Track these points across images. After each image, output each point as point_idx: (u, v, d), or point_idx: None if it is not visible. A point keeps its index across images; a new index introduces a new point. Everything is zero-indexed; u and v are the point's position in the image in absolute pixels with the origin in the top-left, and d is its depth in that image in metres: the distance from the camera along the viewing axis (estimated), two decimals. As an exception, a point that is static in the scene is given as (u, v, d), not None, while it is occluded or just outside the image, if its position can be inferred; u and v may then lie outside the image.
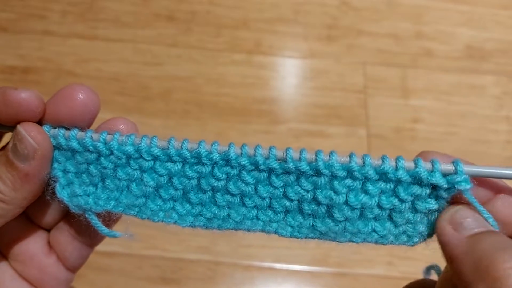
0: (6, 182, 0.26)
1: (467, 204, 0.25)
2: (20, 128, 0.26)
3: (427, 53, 0.83)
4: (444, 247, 0.25)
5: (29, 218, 0.32)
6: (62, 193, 0.28)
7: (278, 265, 0.63)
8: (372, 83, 0.79)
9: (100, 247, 0.62)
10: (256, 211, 0.27)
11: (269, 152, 0.25)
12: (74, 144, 0.27)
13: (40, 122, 0.27)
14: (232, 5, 0.86)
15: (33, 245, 0.32)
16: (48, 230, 0.33)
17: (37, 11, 0.83)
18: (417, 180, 0.24)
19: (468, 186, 0.24)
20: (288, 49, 0.83)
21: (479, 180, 0.25)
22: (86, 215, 0.28)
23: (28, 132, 0.26)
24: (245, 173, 0.26)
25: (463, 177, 0.24)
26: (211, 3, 0.86)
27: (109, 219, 0.30)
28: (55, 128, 0.27)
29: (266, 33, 0.84)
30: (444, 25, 0.86)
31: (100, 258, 0.62)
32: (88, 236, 0.31)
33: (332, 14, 0.86)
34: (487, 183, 0.25)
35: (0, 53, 0.78)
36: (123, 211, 0.28)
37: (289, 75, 0.80)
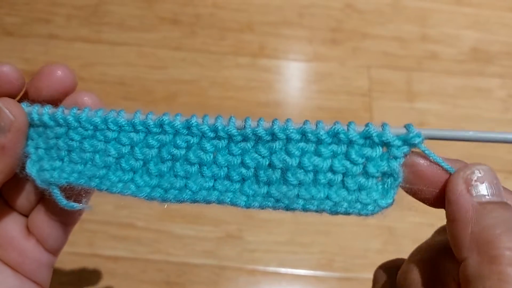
0: None
1: (489, 167, 0.24)
2: None
3: (432, 56, 0.83)
4: (450, 205, 0.23)
5: (7, 204, 0.32)
6: (31, 169, 0.29)
7: (283, 270, 0.63)
8: (377, 86, 0.79)
9: (105, 252, 0.63)
10: (213, 181, 0.28)
11: (229, 120, 0.27)
12: (46, 118, 0.28)
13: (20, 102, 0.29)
14: (237, 8, 0.86)
15: (11, 229, 0.32)
16: (26, 216, 0.33)
17: (43, 15, 0.83)
18: (369, 142, 0.25)
19: (419, 139, 0.24)
20: (293, 52, 0.83)
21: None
22: (50, 189, 0.30)
23: (5, 105, 0.27)
24: (205, 141, 0.27)
25: (415, 132, 0.24)
26: (216, 6, 0.86)
27: (74, 194, 0.30)
28: (31, 105, 0.29)
29: (270, 36, 0.84)
30: (450, 27, 0.86)
31: (105, 262, 0.62)
32: (63, 214, 0.32)
33: (336, 17, 0.86)
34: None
35: (6, 57, 0.79)
36: (84, 183, 0.29)
37: (293, 78, 0.80)
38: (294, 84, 0.80)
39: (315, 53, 0.83)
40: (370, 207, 0.26)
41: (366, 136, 0.25)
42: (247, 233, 0.65)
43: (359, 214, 0.26)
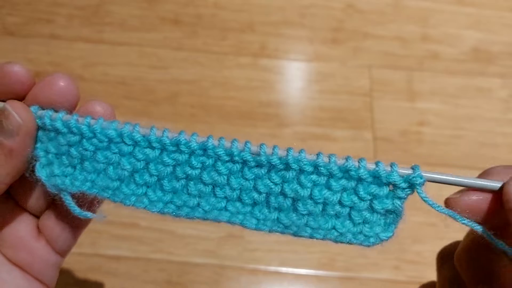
0: None
1: None
2: (7, 105, 0.27)
3: (434, 55, 0.83)
4: (510, 212, 0.24)
5: (18, 204, 0.33)
6: (41, 172, 0.29)
7: (284, 269, 0.63)
8: (378, 86, 0.79)
9: (107, 251, 0.63)
10: (225, 202, 0.28)
11: (245, 146, 0.27)
12: (59, 124, 0.28)
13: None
14: (238, 9, 0.86)
15: (22, 229, 0.32)
16: (37, 216, 0.33)
17: (44, 15, 0.83)
18: (377, 180, 0.26)
19: (421, 180, 0.26)
20: (294, 52, 0.83)
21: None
22: (61, 195, 0.30)
23: (14, 109, 0.27)
24: (220, 163, 0.27)
25: (417, 173, 0.26)
26: (217, 7, 0.86)
27: (87, 202, 0.31)
28: (44, 109, 0.29)
29: (271, 36, 0.84)
30: (451, 27, 0.86)
31: (107, 262, 0.63)
32: (75, 217, 0.32)
33: (337, 17, 0.86)
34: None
35: (8, 57, 0.79)
36: (97, 193, 0.29)
37: (294, 78, 0.80)
38: (295, 84, 0.80)
39: (316, 53, 0.83)
40: (372, 239, 0.28)
41: (375, 175, 0.26)
42: (248, 233, 0.65)
43: (361, 245, 0.28)
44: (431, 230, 0.65)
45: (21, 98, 0.29)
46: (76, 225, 0.34)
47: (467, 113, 0.77)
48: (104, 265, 0.62)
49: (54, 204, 0.33)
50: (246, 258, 0.64)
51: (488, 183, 0.25)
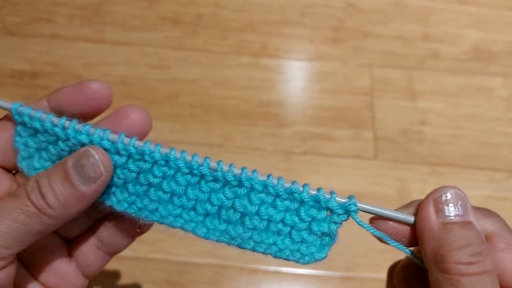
0: (59, 197, 0.27)
1: (459, 190, 0.27)
2: (93, 151, 0.28)
3: (434, 55, 0.82)
4: (419, 223, 0.27)
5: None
6: (21, 164, 0.32)
7: (284, 269, 0.63)
8: (378, 85, 0.79)
9: (107, 251, 0.63)
10: (181, 210, 0.31)
11: (204, 161, 0.29)
12: (37, 124, 0.30)
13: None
14: (238, 8, 0.86)
15: (55, 254, 0.33)
16: (68, 240, 0.35)
17: (45, 15, 0.83)
18: (317, 205, 0.29)
19: (355, 208, 0.28)
20: (294, 51, 0.83)
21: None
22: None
23: (100, 156, 0.28)
24: (179, 174, 0.30)
25: (352, 201, 0.28)
26: (217, 6, 0.86)
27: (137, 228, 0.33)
28: (24, 106, 0.31)
29: (272, 36, 0.84)
30: (452, 26, 0.85)
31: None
32: (112, 245, 0.34)
33: (338, 16, 0.86)
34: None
35: (8, 57, 0.79)
36: None
37: (295, 78, 0.80)
38: (296, 84, 0.80)
39: (317, 52, 0.82)
40: (307, 258, 0.30)
41: (316, 200, 0.29)
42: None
43: (297, 262, 0.30)
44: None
45: (96, 113, 0.31)
46: (111, 252, 0.35)
47: (468, 113, 0.77)
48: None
49: (93, 231, 0.34)
50: (246, 258, 0.64)
51: (405, 217, 0.28)
